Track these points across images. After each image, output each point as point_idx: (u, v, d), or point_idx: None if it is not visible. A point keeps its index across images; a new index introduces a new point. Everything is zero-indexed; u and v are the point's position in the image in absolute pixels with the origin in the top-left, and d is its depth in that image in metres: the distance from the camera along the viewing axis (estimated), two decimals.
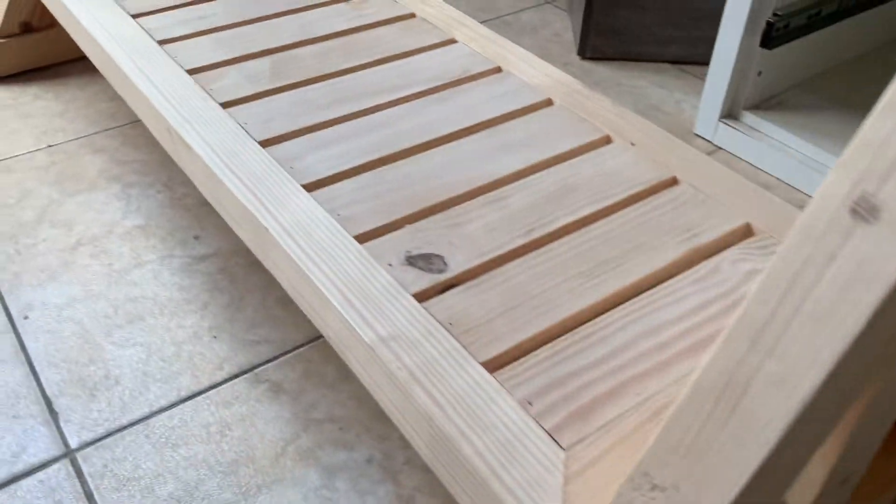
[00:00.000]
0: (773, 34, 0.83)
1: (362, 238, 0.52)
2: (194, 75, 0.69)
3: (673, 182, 0.59)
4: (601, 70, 1.04)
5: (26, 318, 0.66)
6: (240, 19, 0.78)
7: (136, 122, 0.90)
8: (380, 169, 0.59)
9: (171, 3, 0.80)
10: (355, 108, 0.66)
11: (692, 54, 1.05)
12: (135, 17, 0.78)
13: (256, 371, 0.63)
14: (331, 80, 0.69)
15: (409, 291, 0.48)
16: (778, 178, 0.85)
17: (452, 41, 0.76)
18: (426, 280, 0.49)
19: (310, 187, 0.57)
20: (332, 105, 0.66)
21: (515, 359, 0.44)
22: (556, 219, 0.55)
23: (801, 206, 0.81)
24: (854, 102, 0.90)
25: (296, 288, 0.52)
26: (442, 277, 0.50)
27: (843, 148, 0.83)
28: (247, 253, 0.72)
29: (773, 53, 0.86)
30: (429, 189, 0.57)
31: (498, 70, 0.72)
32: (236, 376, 0.62)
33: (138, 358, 0.63)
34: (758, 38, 0.83)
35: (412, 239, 0.53)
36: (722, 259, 0.52)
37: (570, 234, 0.54)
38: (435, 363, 0.43)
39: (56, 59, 1.00)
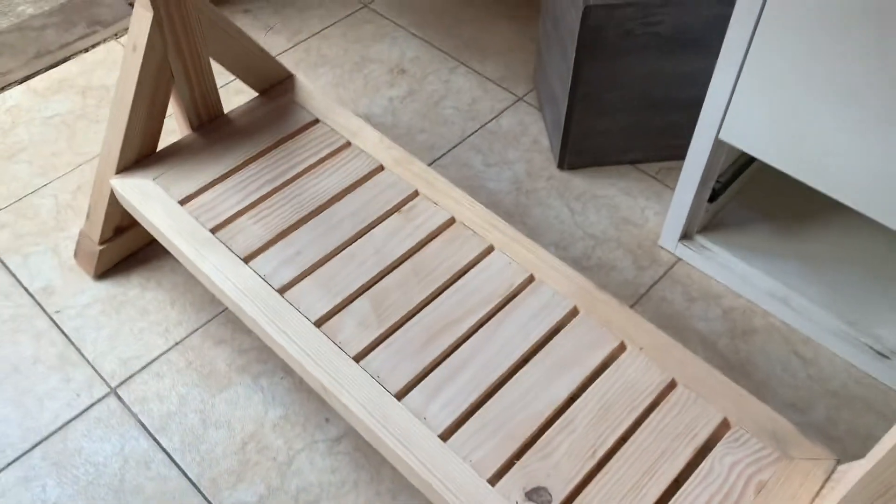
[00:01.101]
0: (716, 192, 1.12)
1: (493, 481, 0.82)
2: (321, 327, 0.94)
3: (672, 385, 0.90)
4: (578, 182, 1.30)
5: None
6: (325, 250, 1.02)
7: None
8: (482, 409, 0.88)
9: (266, 238, 1.03)
10: (445, 344, 0.93)
11: (646, 156, 1.32)
12: (246, 261, 1.01)
13: None
14: (419, 315, 0.96)
15: None
16: (726, 287, 1.17)
17: (491, 249, 1.03)
18: None
19: (444, 436, 0.85)
20: (428, 343, 0.93)
21: None
22: (607, 438, 0.85)
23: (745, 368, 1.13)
24: (775, 212, 1.20)
25: None
26: None
27: (767, 263, 1.14)
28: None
29: None
30: (520, 422, 0.86)
31: (532, 279, 0.99)
32: None
33: None
34: (706, 196, 1.12)
35: (522, 475, 0.83)
36: (714, 457, 0.84)
37: (617, 453, 0.85)
38: None
39: (141, 244, 1.21)
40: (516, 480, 0.82)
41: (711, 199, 1.12)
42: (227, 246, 1.02)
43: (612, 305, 0.96)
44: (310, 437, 1.01)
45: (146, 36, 1.02)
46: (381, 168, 1.12)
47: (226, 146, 1.14)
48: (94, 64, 1.50)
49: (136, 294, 1.16)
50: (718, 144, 1.03)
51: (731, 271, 1.15)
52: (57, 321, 1.13)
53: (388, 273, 1.00)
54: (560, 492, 0.81)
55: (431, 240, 1.04)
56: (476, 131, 1.39)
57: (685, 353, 0.92)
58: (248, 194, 1.08)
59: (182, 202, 1.07)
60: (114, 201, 1.11)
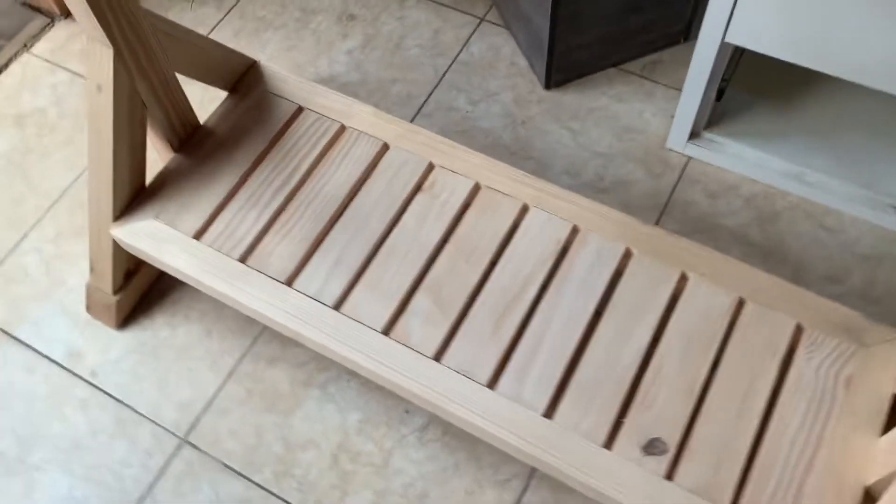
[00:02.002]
0: (722, 91, 1.11)
1: (608, 445, 0.85)
2: (389, 335, 0.93)
3: (741, 304, 0.93)
4: (569, 99, 1.27)
5: None
6: (364, 251, 0.98)
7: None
8: (573, 378, 0.89)
9: (299, 254, 0.98)
10: (516, 321, 0.92)
11: (624, 58, 1.30)
12: (288, 283, 0.97)
13: (521, 502, 0.97)
14: (480, 298, 0.95)
15: (662, 476, 0.83)
16: (742, 176, 1.18)
17: (526, 208, 1.01)
18: (663, 462, 0.84)
19: (548, 414, 0.87)
20: (498, 324, 0.93)
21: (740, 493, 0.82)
22: (699, 372, 0.88)
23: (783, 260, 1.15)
24: (772, 93, 1.20)
25: (585, 486, 0.85)
26: (669, 456, 0.84)
27: (776, 145, 1.16)
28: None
29: None
30: (613, 381, 0.88)
31: (576, 230, 0.99)
32: None
33: None
34: (713, 96, 1.11)
35: (633, 432, 0.85)
36: (798, 364, 0.88)
37: (713, 384, 0.88)
38: None
39: (150, 282, 1.14)
40: (629, 438, 0.85)
41: (719, 98, 1.12)
42: (262, 273, 0.97)
43: (662, 238, 0.97)
44: (396, 432, 1.02)
45: (111, 73, 0.92)
46: (386, 147, 1.07)
47: (217, 162, 1.06)
48: (14, 87, 1.36)
49: (168, 334, 1.11)
50: (724, 47, 1.01)
51: (744, 160, 1.16)
52: (97, 384, 1.08)
53: (434, 260, 0.98)
54: (673, 436, 0.85)
55: (464, 212, 1.01)
56: (449, 67, 1.33)
57: (743, 268, 0.95)
58: (262, 211, 1.02)
59: (196, 236, 1.01)
60: (119, 250, 1.04)
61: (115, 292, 1.08)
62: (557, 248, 0.97)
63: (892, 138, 1.15)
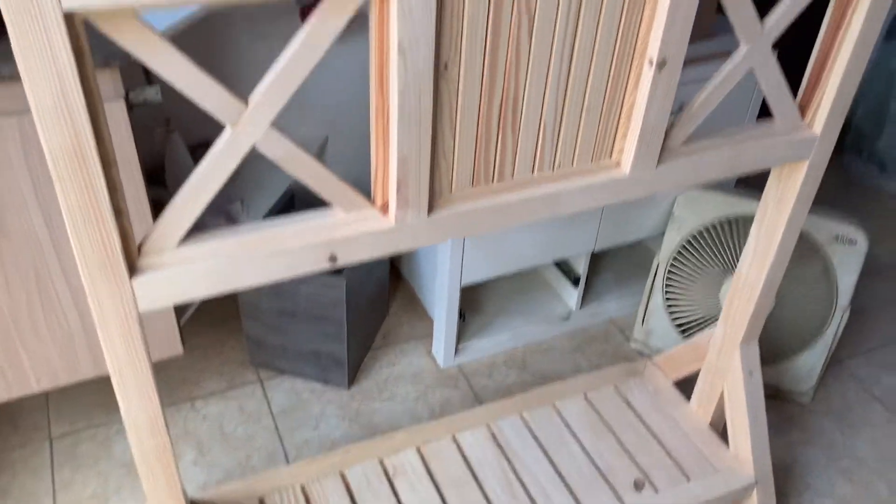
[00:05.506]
0: (463, 316, 1.73)
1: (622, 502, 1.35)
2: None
3: (586, 397, 1.53)
4: (367, 385, 1.72)
5: None
6: None
7: None
8: (573, 491, 1.36)
9: None
10: (522, 494, 1.35)
11: (371, 341, 1.82)
12: None
13: None
14: (494, 497, 1.34)
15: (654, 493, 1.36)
16: (491, 355, 1.81)
17: (454, 437, 1.44)
18: (649, 490, 1.37)
19: None
20: (516, 499, 1.34)
21: None
22: (611, 442, 1.45)
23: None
24: (474, 302, 1.87)
25: None
26: (647, 485, 1.38)
27: (496, 327, 1.82)
28: None
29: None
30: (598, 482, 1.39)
31: (489, 426, 1.46)
32: None
33: None
34: (458, 318, 1.72)
35: (623, 485, 1.37)
36: (633, 400, 1.53)
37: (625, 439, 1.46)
38: None
39: None
40: (626, 489, 1.37)
41: (462, 319, 1.73)
42: None
43: (524, 399, 1.52)
44: None
45: None
46: (342, 474, 1.37)
47: None
48: None
49: None
50: (461, 290, 1.65)
51: (487, 347, 1.80)
52: None
53: (446, 501, 1.34)
54: (639, 475, 1.40)
55: (429, 468, 1.39)
56: (276, 422, 1.64)
57: (562, 384, 1.56)
58: None
59: None
60: None
61: None
62: (494, 443, 1.44)
63: (544, 290, 1.93)
